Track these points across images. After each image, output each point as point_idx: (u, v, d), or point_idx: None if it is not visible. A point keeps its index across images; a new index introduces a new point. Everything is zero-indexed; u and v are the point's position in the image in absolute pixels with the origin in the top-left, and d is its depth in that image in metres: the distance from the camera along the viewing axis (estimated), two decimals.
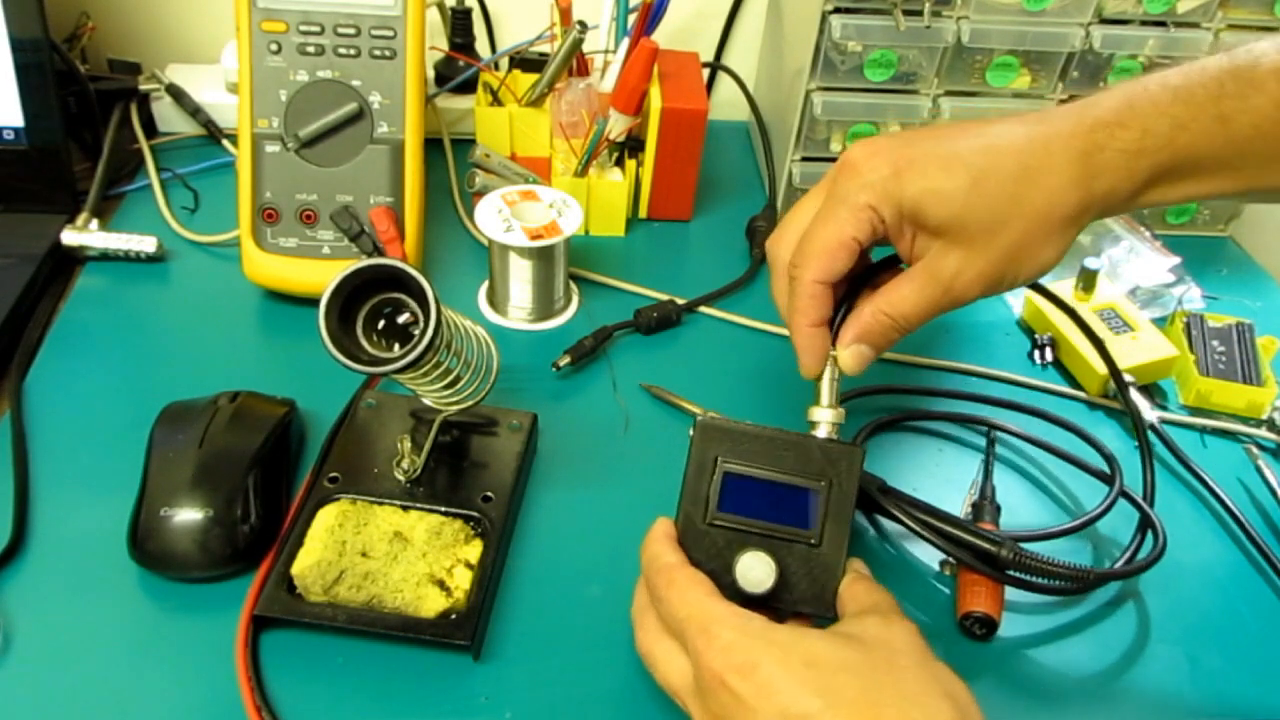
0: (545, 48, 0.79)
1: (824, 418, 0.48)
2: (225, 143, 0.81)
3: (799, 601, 0.45)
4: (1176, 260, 0.75)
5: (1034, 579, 0.50)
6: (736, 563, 0.44)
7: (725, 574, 0.44)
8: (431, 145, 0.76)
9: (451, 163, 0.82)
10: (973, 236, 0.44)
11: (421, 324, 0.46)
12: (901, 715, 0.36)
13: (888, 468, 0.60)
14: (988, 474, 0.59)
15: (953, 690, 0.38)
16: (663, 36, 0.74)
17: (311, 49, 0.64)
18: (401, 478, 0.53)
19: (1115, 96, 0.44)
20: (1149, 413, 0.63)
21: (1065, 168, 0.43)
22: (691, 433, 0.46)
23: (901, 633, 0.40)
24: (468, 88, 0.83)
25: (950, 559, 0.54)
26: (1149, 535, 0.55)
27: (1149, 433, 0.63)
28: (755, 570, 0.44)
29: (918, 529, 0.51)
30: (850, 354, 0.47)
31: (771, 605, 0.45)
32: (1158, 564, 0.52)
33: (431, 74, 0.84)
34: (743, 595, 0.44)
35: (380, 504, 0.52)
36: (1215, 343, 0.68)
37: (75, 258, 0.70)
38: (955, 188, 0.43)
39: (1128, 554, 0.54)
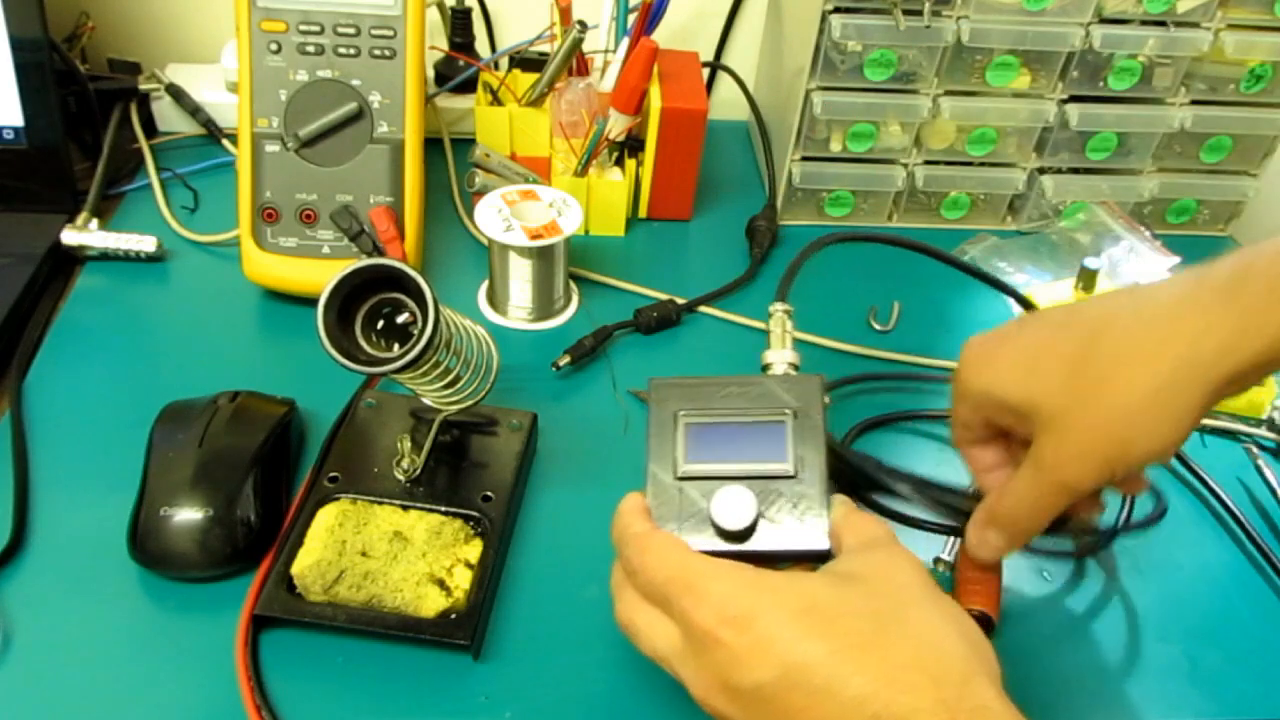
0: (545, 47, 0.79)
1: (777, 358, 0.48)
2: (225, 142, 0.81)
3: (788, 539, 0.42)
4: (1176, 260, 0.75)
5: (1043, 539, 0.47)
6: (712, 503, 0.42)
7: (704, 527, 0.42)
8: (431, 145, 0.76)
9: (451, 162, 0.82)
10: (1054, 415, 0.41)
11: (420, 323, 0.46)
12: (913, 656, 0.35)
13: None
14: None
15: (964, 627, 0.37)
16: (663, 36, 0.74)
17: (311, 48, 0.64)
18: (401, 477, 0.54)
19: (1230, 262, 0.40)
20: None
21: (1152, 333, 0.40)
22: (646, 395, 0.45)
23: (907, 566, 0.39)
24: (468, 87, 0.83)
25: (945, 557, 0.54)
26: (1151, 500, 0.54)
27: None
28: (733, 502, 0.42)
29: (919, 497, 0.49)
30: (974, 541, 0.46)
31: (759, 552, 0.42)
32: (1163, 550, 0.52)
33: (431, 74, 0.84)
34: (727, 537, 0.42)
35: (380, 503, 0.52)
36: None
37: (75, 257, 0.70)
38: (1016, 366, 0.42)
39: (1124, 512, 0.53)
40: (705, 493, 0.43)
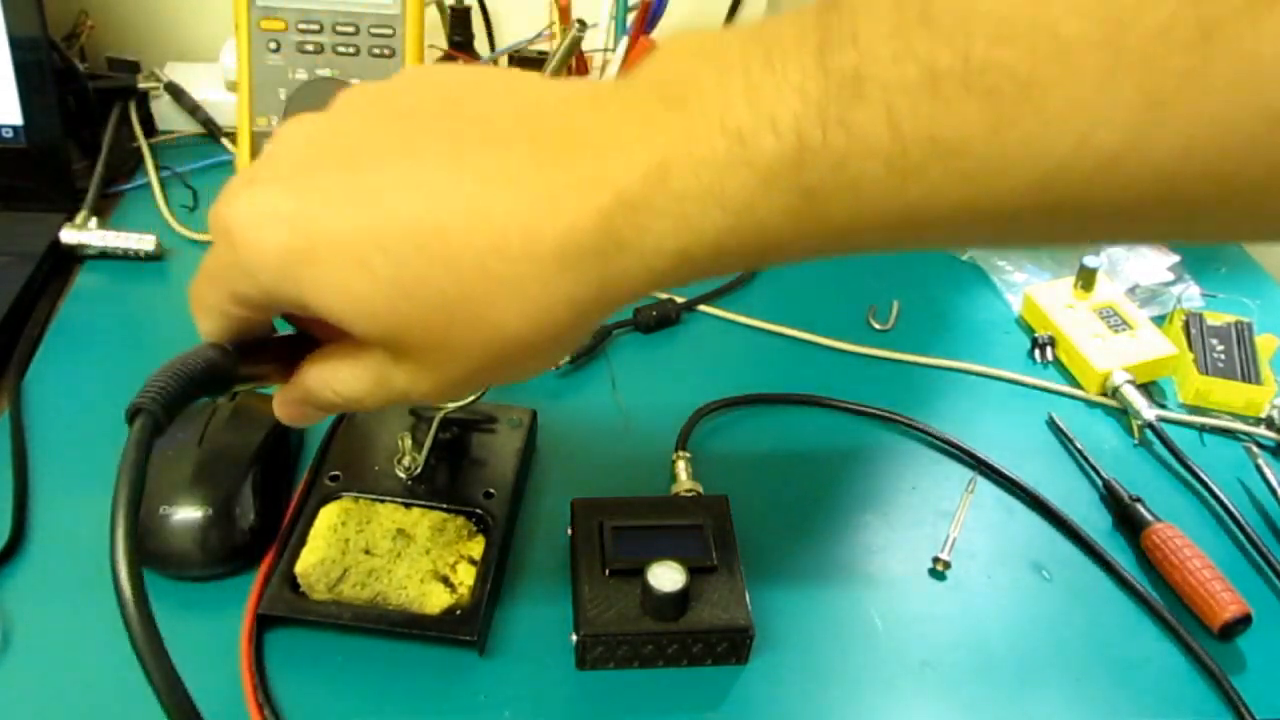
0: (544, 46, 0.79)
1: (684, 487, 0.55)
2: (224, 141, 0.81)
3: (715, 617, 0.47)
4: (1176, 258, 0.75)
5: None
6: (648, 572, 0.46)
7: (634, 615, 0.47)
8: None
9: None
10: (419, 354, 0.31)
11: None
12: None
13: (869, 487, 0.60)
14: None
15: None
16: (662, 35, 0.74)
17: (310, 47, 0.64)
18: (403, 475, 0.53)
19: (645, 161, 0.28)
20: (1147, 411, 0.63)
21: (551, 273, 0.29)
22: (570, 524, 0.51)
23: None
24: None
25: (944, 557, 0.54)
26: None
27: (1146, 431, 0.63)
28: (666, 573, 0.46)
29: None
30: (285, 410, 0.39)
31: (689, 631, 0.47)
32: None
33: None
34: (661, 615, 0.47)
35: (382, 501, 0.52)
36: (1214, 341, 0.68)
37: (74, 256, 0.70)
38: (375, 296, 0.29)
39: None
40: (633, 584, 0.47)
